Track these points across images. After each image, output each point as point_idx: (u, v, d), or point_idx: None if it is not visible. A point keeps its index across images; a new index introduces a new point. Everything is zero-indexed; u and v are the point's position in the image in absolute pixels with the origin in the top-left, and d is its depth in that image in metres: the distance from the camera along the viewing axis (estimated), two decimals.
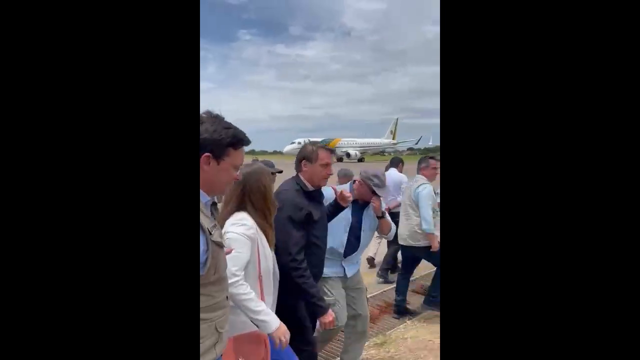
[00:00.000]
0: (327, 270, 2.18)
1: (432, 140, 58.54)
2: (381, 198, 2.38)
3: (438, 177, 2.45)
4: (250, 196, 1.53)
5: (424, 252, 3.40)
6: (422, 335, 3.03)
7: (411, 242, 3.40)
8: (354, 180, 2.46)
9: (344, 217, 2.24)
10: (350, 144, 43.58)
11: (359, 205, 2.36)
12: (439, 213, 3.38)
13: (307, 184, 1.96)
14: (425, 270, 4.23)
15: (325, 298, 2.05)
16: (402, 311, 3.46)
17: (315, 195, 1.99)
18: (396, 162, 4.70)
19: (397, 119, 54.76)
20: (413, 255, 3.50)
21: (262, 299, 1.52)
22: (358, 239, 2.35)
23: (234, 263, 1.36)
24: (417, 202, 3.30)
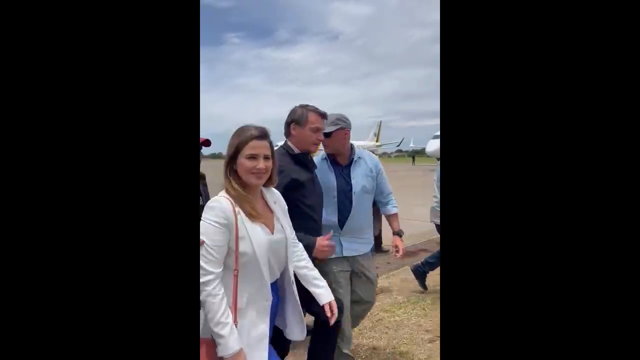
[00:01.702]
0: None
1: (413, 142, 60.08)
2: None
3: None
4: (225, 165, 1.25)
5: (437, 230, 3.40)
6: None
7: (433, 219, 3.34)
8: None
9: (328, 188, 1.93)
10: None
11: (341, 166, 2.01)
12: None
13: (293, 147, 1.76)
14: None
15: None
16: (420, 275, 3.44)
17: (301, 159, 1.75)
18: None
19: (381, 122, 56.79)
20: None
21: (234, 300, 1.18)
22: (350, 201, 1.97)
23: (203, 258, 1.13)
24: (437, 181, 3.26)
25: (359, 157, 2.04)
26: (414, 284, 3.52)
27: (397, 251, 2.05)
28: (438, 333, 2.52)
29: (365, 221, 2.08)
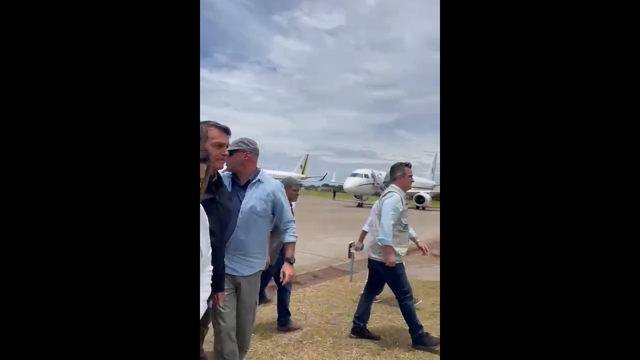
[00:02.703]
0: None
1: (335, 177, 63.31)
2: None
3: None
4: None
5: (382, 268, 3.01)
6: None
7: (372, 255, 3.09)
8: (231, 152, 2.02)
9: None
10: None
11: (239, 186, 2.07)
12: (407, 228, 3.13)
13: None
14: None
15: None
16: (359, 332, 3.13)
17: None
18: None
19: (307, 155, 58.33)
20: (378, 271, 3.08)
21: None
22: (234, 222, 1.98)
23: None
24: (381, 212, 3.03)
25: (259, 181, 2.10)
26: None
27: (284, 276, 2.14)
28: None
29: (253, 244, 2.06)
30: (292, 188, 3.44)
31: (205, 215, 1.36)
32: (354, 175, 28.40)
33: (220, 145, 1.74)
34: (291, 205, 3.28)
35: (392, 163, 3.25)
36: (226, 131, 1.77)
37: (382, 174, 29.85)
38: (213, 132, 1.73)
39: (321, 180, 61.14)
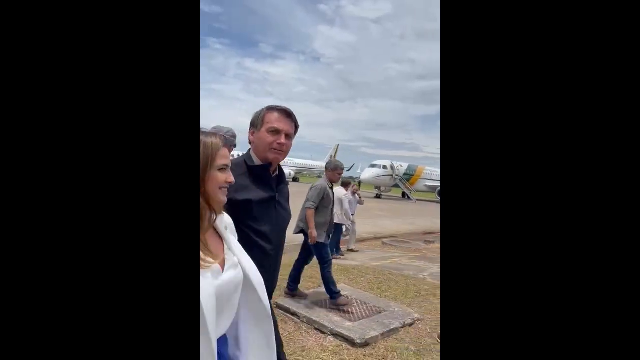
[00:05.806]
0: None
1: (360, 168, 63.37)
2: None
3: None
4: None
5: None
6: None
7: None
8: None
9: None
10: (286, 162, 46.26)
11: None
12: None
13: (253, 157, 1.45)
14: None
15: None
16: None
17: (259, 172, 1.43)
18: (345, 184, 6.51)
19: (338, 145, 58.70)
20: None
21: None
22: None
23: None
24: None
25: None
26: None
27: None
28: None
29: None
30: (337, 171, 3.97)
31: (235, 231, 1.10)
32: (373, 166, 28.74)
33: (276, 132, 1.42)
34: (332, 186, 3.94)
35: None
36: (289, 115, 1.45)
37: (403, 166, 29.89)
38: (270, 116, 1.44)
39: (348, 170, 61.41)
